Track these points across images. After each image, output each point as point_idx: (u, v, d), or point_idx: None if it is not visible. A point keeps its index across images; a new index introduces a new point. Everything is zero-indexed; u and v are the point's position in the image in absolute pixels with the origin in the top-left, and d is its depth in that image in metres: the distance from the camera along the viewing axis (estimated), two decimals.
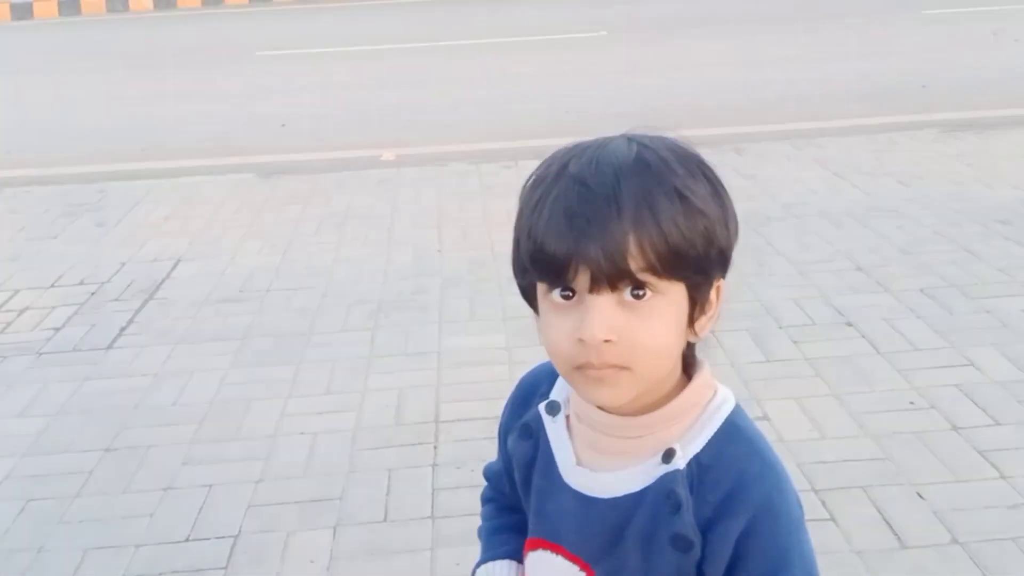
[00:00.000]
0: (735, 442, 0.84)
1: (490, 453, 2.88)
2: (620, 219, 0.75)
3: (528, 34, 9.68)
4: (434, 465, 2.50)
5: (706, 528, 0.81)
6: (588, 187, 0.77)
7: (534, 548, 0.93)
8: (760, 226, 4.07)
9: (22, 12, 13.62)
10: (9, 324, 3.54)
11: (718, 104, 6.42)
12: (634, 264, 0.76)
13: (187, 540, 2.26)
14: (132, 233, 4.49)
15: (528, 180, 0.84)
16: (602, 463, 0.86)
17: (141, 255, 4.19)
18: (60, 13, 13.75)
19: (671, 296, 0.78)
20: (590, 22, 10.24)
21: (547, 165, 0.83)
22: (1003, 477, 2.30)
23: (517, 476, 0.96)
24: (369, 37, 10.28)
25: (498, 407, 1.08)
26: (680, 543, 0.82)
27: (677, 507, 0.81)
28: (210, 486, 2.46)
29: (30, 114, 7.43)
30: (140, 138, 6.37)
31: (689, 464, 0.82)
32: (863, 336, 3.06)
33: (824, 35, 8.89)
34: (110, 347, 3.31)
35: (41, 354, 3.28)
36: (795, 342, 3.05)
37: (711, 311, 0.82)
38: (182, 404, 2.88)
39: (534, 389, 0.96)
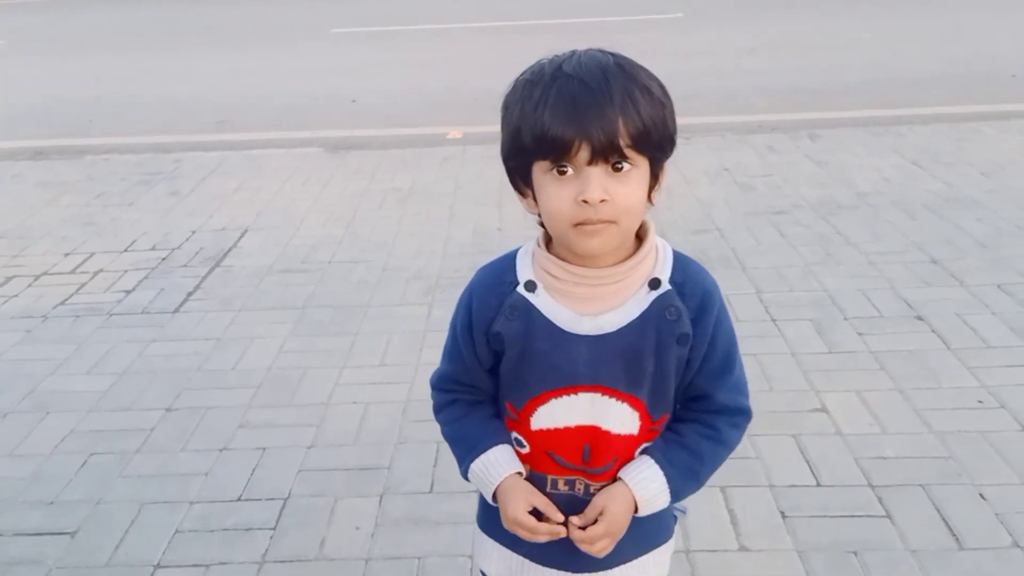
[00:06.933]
0: (689, 263, 1.14)
1: None
2: (612, 106, 0.98)
3: (602, 15, 9.56)
4: None
5: (694, 324, 1.10)
6: (585, 83, 0.99)
7: (545, 401, 1.13)
8: (829, 214, 3.95)
9: None
10: (83, 285, 3.67)
11: (794, 87, 6.24)
12: (622, 141, 0.99)
13: (239, 499, 2.31)
14: (203, 203, 4.60)
15: (517, 84, 1.04)
16: (601, 307, 1.10)
17: (210, 224, 4.29)
18: None
19: (642, 169, 1.03)
20: (666, 4, 10.07)
21: (537, 71, 1.03)
22: None
23: (512, 352, 1.13)
24: (441, 16, 10.30)
25: None
26: (683, 339, 1.09)
27: (679, 314, 1.09)
28: (264, 449, 2.51)
29: (112, 88, 7.67)
30: (215, 112, 6.52)
31: (671, 283, 1.10)
32: (933, 331, 2.95)
33: (911, 18, 8.56)
34: (176, 311, 3.40)
35: (112, 315, 3.39)
36: (860, 334, 2.95)
37: (659, 185, 1.09)
38: (241, 369, 2.95)
39: (498, 281, 1.14)
